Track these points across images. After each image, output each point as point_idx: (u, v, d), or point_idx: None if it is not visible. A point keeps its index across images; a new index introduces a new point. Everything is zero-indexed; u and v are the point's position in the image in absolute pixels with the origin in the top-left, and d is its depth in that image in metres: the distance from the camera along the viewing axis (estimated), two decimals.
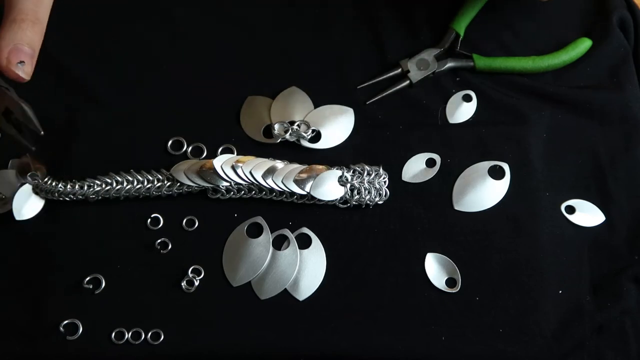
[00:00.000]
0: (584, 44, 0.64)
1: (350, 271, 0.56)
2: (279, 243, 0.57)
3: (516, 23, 0.67)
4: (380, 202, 0.58)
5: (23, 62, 0.49)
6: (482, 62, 0.63)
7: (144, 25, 0.65)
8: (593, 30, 0.66)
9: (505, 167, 0.59)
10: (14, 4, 0.48)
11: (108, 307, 0.55)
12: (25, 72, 0.49)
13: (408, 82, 0.63)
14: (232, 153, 0.59)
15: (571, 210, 0.59)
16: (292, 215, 0.58)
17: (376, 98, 0.62)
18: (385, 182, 0.58)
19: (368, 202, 0.58)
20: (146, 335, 0.54)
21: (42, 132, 0.51)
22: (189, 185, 0.57)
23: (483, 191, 0.58)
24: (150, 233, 0.57)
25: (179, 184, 0.57)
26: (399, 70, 0.63)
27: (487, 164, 0.59)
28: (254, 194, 0.58)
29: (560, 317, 0.55)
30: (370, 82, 0.63)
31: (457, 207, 0.58)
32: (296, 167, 0.58)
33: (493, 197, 0.58)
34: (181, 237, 0.57)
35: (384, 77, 0.63)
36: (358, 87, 0.63)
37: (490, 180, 0.59)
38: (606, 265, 0.58)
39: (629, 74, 0.65)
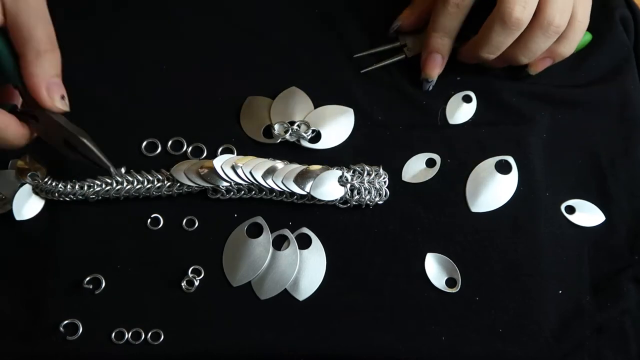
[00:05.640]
0: (584, 38, 0.64)
1: (350, 271, 0.56)
2: (279, 243, 0.57)
3: None
4: (380, 202, 0.58)
5: (64, 95, 0.48)
6: None
7: (144, 25, 0.65)
8: (594, 28, 0.66)
9: (513, 164, 0.59)
10: (29, 36, 0.46)
11: (108, 307, 0.55)
12: (66, 104, 0.49)
13: (404, 55, 0.63)
14: (232, 153, 0.59)
15: (571, 210, 0.59)
16: (292, 215, 0.58)
17: (371, 67, 0.62)
18: (385, 182, 0.58)
19: (368, 202, 0.58)
20: (146, 335, 0.54)
21: (111, 168, 0.51)
22: (189, 185, 0.57)
23: (487, 191, 0.58)
24: (150, 233, 0.57)
25: (179, 184, 0.57)
26: (397, 43, 0.64)
27: (492, 160, 0.59)
28: (254, 194, 0.58)
29: (560, 317, 0.55)
30: (369, 52, 0.63)
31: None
32: (296, 167, 0.58)
33: (499, 198, 0.58)
34: (181, 237, 0.57)
35: (382, 48, 0.63)
36: (354, 55, 0.63)
37: (496, 180, 0.59)
38: (606, 265, 0.58)
39: (630, 73, 0.65)
